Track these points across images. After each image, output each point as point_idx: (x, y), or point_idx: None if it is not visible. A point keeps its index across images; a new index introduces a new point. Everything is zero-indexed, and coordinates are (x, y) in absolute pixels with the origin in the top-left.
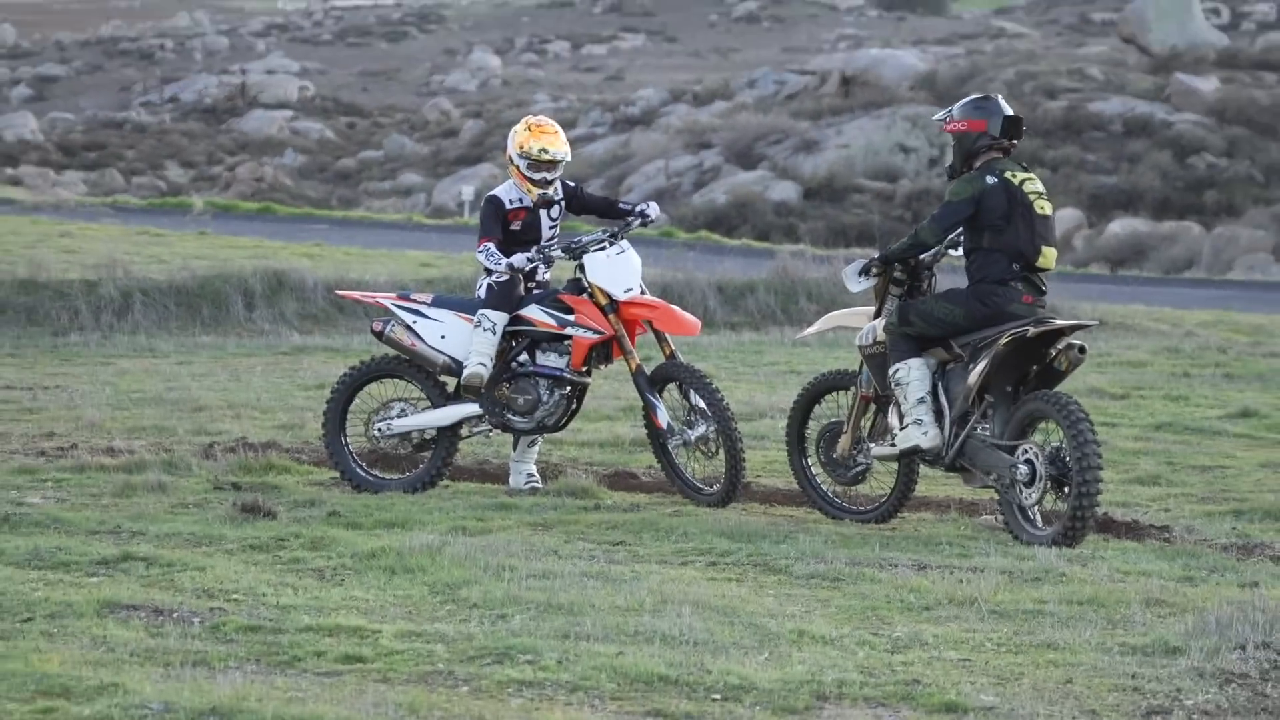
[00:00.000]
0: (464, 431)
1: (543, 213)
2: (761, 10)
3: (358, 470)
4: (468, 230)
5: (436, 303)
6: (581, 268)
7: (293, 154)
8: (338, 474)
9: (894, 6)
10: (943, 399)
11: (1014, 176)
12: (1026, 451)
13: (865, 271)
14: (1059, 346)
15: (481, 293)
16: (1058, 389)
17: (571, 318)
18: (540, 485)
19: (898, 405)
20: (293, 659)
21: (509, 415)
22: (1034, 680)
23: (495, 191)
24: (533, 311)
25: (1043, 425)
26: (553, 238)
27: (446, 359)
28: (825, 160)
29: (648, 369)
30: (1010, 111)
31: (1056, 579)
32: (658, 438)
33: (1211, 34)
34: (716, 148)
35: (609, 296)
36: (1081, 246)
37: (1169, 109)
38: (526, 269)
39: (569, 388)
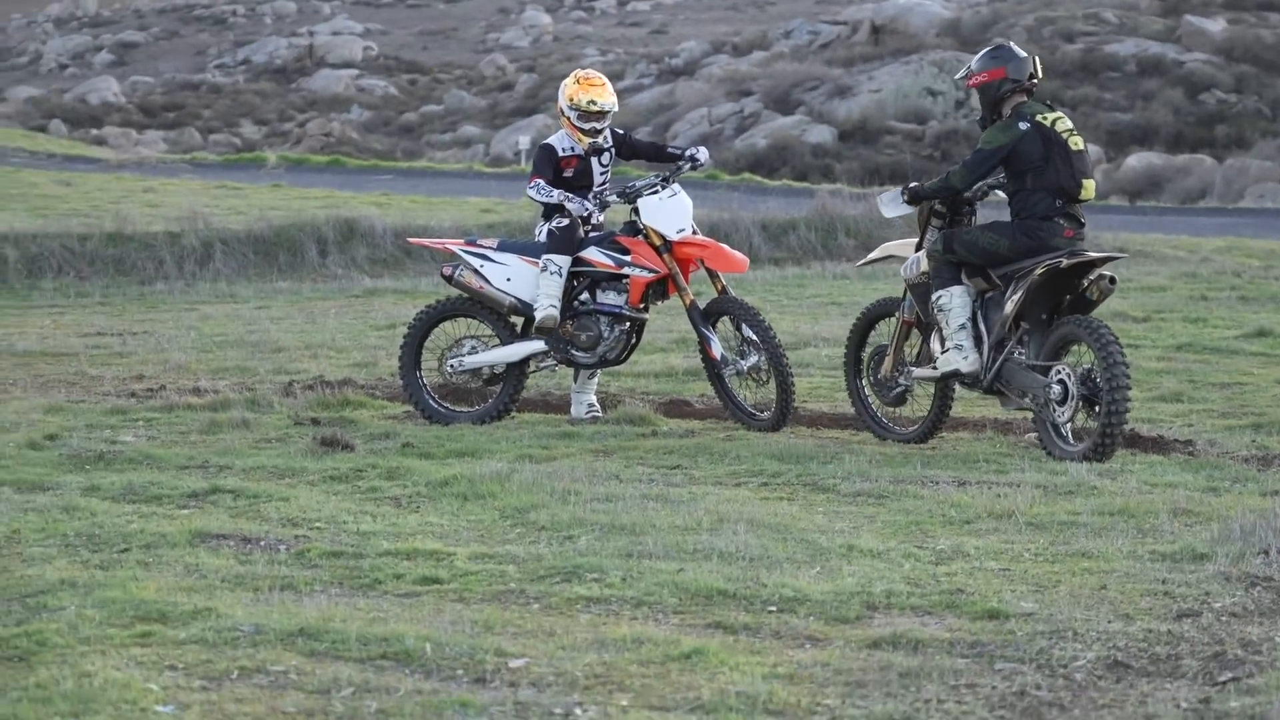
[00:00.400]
0: (531, 366)
1: (593, 160)
2: None
3: (431, 403)
4: (524, 178)
5: (502, 247)
6: (636, 210)
7: (359, 110)
8: (412, 407)
9: None
10: (981, 325)
11: (1045, 118)
12: (1060, 373)
13: (909, 200)
14: (1090, 277)
15: (542, 237)
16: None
17: (628, 258)
18: (601, 414)
19: (939, 331)
20: (373, 582)
21: (573, 351)
22: (1070, 587)
23: (549, 140)
24: (592, 253)
25: (1075, 348)
26: (604, 183)
27: (513, 300)
28: (858, 104)
29: (701, 304)
30: (1024, 54)
31: (1089, 492)
32: (712, 368)
33: None
34: (756, 95)
35: (663, 237)
36: (1101, 180)
37: (1180, 49)
38: (583, 213)
39: (628, 324)
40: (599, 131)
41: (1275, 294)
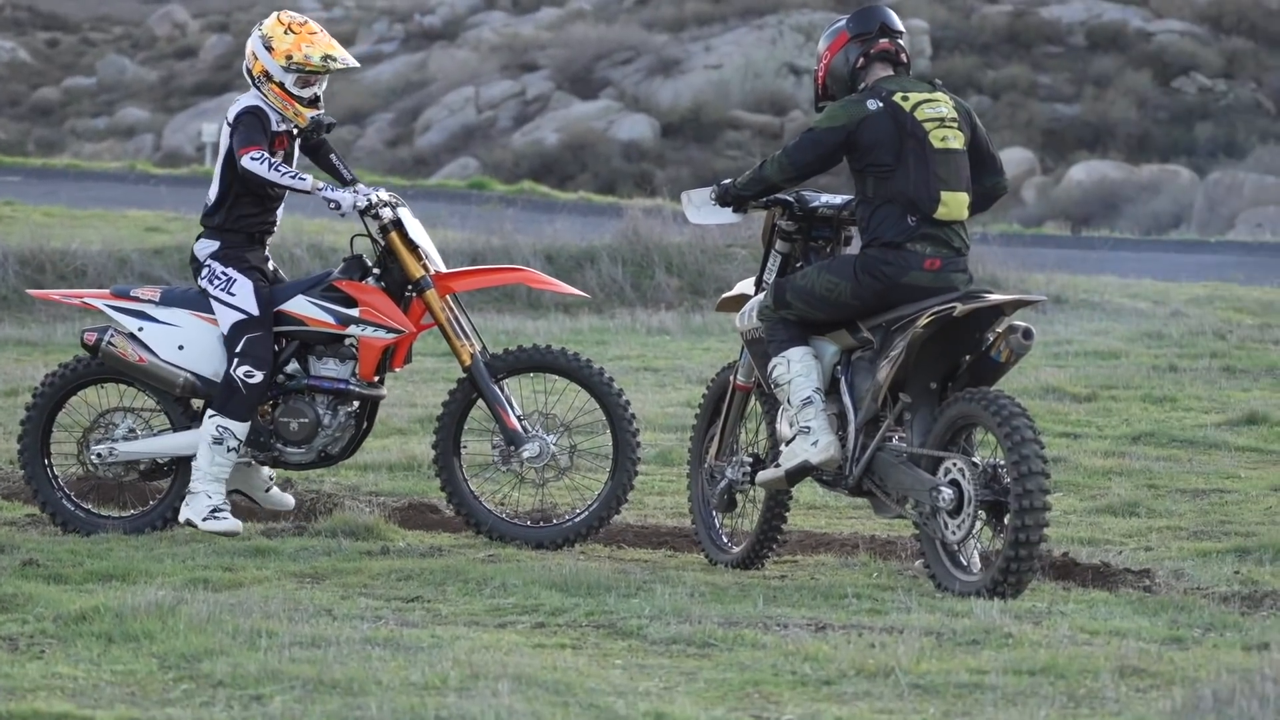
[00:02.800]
0: None
1: (295, 145)
2: None
3: (66, 505)
4: (209, 182)
5: (168, 300)
6: (397, 224)
7: None
8: (39, 509)
9: None
10: (846, 399)
11: (905, 99)
12: (952, 469)
13: (720, 201)
14: (997, 329)
15: (208, 283)
16: (995, 386)
17: (355, 312)
18: (287, 501)
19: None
20: None
21: (280, 445)
22: None
23: (253, 103)
24: (300, 306)
25: (978, 436)
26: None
27: (188, 376)
28: (690, 86)
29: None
30: (879, 6)
31: (1000, 641)
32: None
33: None
34: (545, 70)
35: (426, 269)
36: (1033, 198)
37: (1147, 14)
38: (355, 207)
39: (356, 403)
40: (319, 102)
41: (1274, 364)
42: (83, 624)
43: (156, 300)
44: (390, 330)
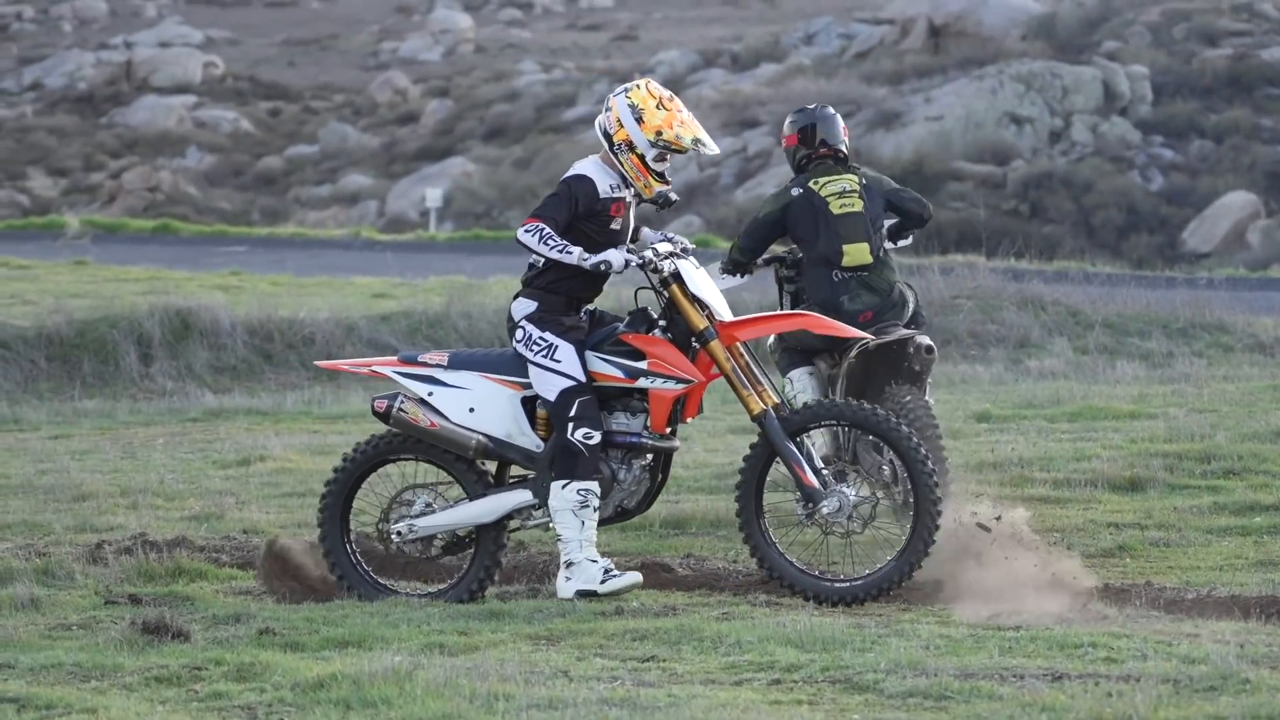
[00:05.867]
0: (514, 524)
1: (631, 211)
2: None
3: (365, 580)
4: (434, 248)
5: (455, 363)
6: (677, 277)
7: (197, 153)
8: (337, 581)
9: None
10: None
11: (818, 184)
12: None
13: (728, 272)
14: (909, 349)
15: (524, 347)
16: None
17: (643, 364)
18: (618, 577)
19: None
20: None
21: None
22: None
23: (584, 170)
24: (589, 362)
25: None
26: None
27: (480, 438)
28: (911, 138)
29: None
30: (826, 115)
31: (1238, 687)
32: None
33: None
34: (765, 126)
35: (711, 319)
36: (1259, 241)
37: None
38: (622, 270)
39: (650, 456)
40: (665, 176)
41: None
42: (320, 691)
43: (444, 364)
44: (679, 381)
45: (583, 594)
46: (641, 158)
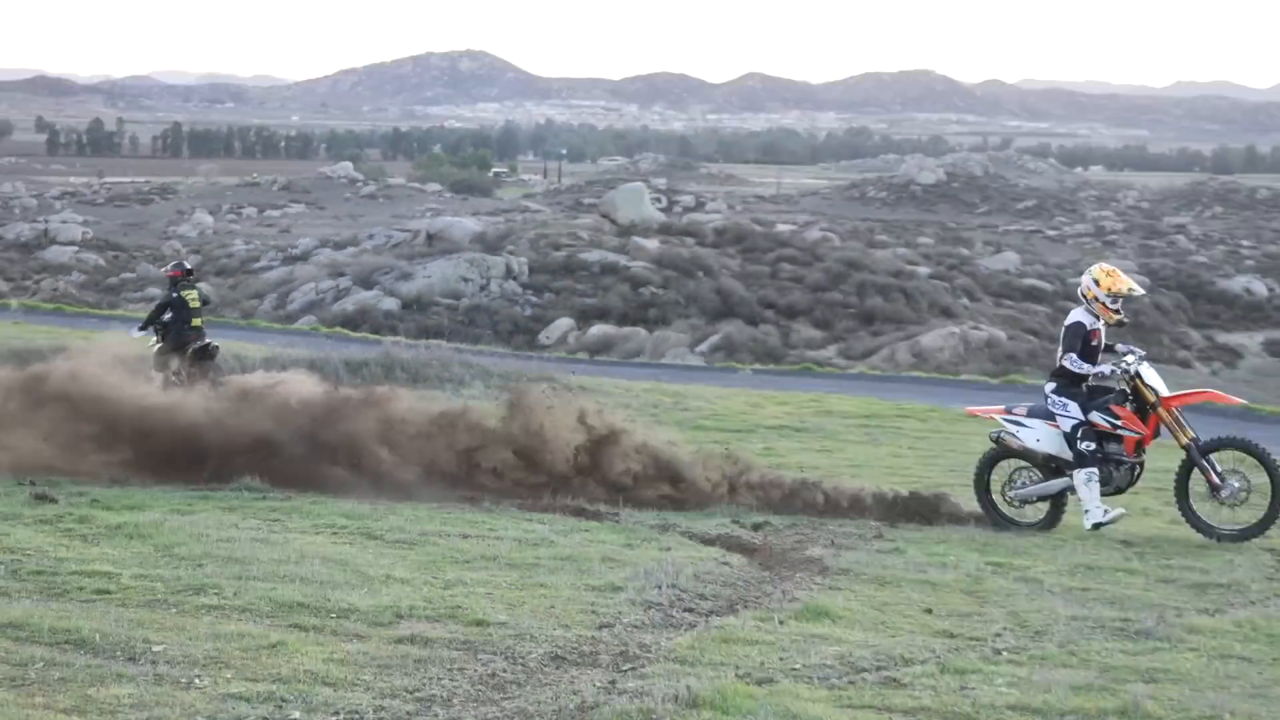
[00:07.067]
0: (1067, 497)
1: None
2: (379, 191)
3: (998, 514)
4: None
5: (1031, 414)
6: (1139, 375)
7: (78, 274)
8: (984, 515)
9: (460, 190)
10: None
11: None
12: None
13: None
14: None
15: (1059, 409)
16: None
17: (1120, 422)
18: (1122, 512)
19: None
20: (63, 591)
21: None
22: (531, 606)
23: (1079, 319)
24: (1095, 417)
25: None
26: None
27: (1045, 453)
28: (416, 285)
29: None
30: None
31: (549, 544)
32: (1183, 495)
33: (655, 213)
34: (348, 275)
35: (1156, 393)
36: (573, 341)
37: (628, 258)
38: (1109, 374)
39: (1128, 465)
40: (1120, 311)
41: (679, 419)
42: (118, 530)
43: (1024, 414)
44: (1135, 432)
45: (1096, 525)
46: (1104, 304)
